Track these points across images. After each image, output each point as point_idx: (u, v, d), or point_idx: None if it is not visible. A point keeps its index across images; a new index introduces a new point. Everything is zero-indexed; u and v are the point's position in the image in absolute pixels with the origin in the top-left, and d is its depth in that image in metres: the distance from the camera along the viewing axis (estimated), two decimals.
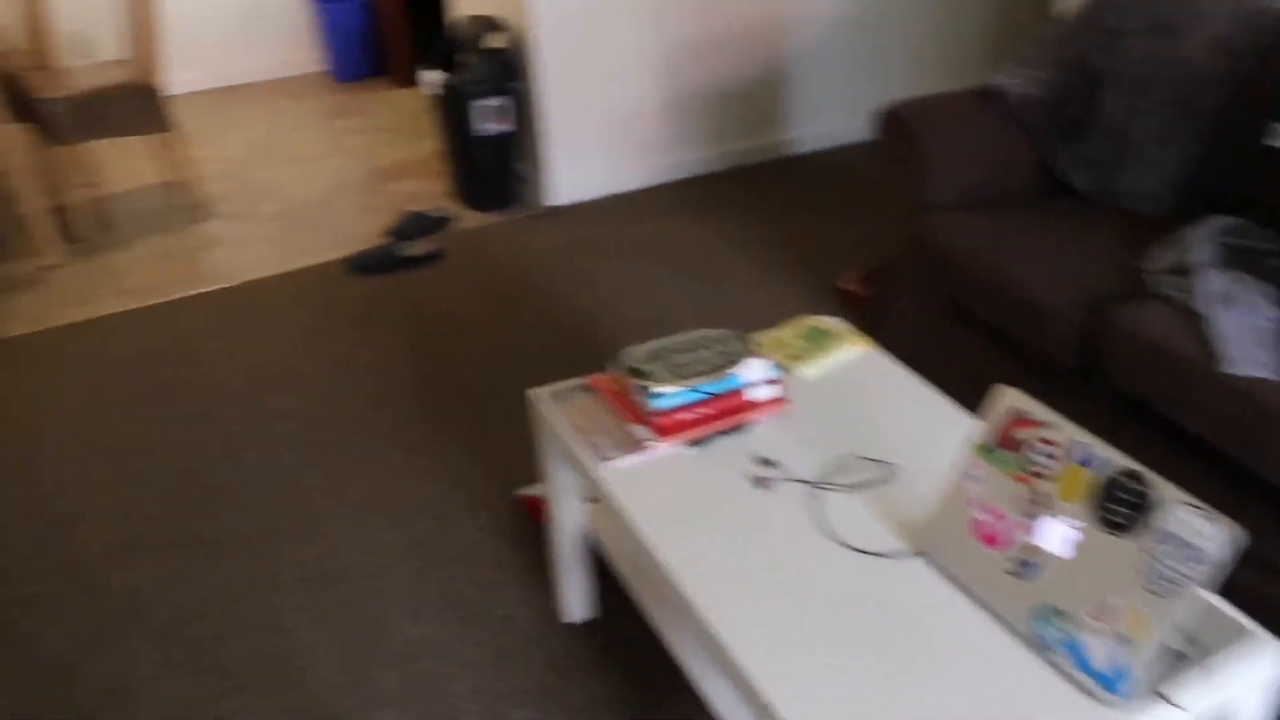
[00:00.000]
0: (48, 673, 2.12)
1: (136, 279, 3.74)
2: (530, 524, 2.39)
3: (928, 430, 1.72)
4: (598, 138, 3.98)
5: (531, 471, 2.55)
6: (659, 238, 3.69)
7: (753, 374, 1.75)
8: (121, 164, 4.85)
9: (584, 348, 3.07)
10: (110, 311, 3.51)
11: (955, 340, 2.56)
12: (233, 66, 5.92)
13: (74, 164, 4.62)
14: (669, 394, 1.70)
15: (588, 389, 1.88)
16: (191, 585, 2.31)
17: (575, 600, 2.10)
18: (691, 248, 3.60)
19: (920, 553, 1.46)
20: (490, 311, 3.30)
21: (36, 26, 4.35)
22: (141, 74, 4.02)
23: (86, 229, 4.17)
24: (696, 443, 1.72)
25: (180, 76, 5.83)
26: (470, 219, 3.97)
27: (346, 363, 3.10)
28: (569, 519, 2.01)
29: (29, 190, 3.88)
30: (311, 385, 3.00)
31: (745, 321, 3.13)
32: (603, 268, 3.51)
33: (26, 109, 3.96)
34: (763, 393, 1.76)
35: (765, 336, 2.00)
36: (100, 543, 2.46)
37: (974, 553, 1.38)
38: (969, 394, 2.03)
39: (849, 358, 1.94)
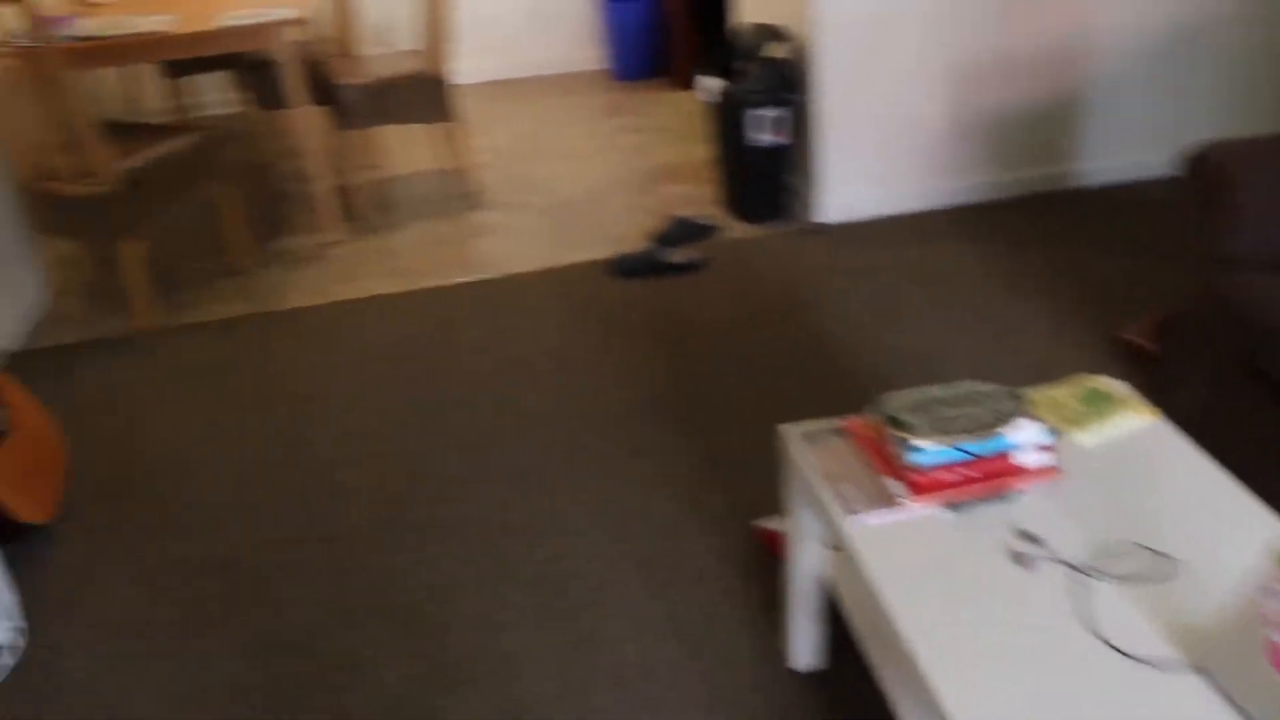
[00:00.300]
0: (291, 639, 2.21)
1: (407, 261, 3.88)
2: (767, 557, 2.31)
3: (1219, 523, 1.54)
4: (873, 156, 3.85)
5: (773, 500, 2.48)
6: (929, 265, 3.53)
7: (1024, 437, 1.62)
8: (404, 148, 5.07)
9: (840, 374, 2.96)
10: (380, 292, 3.66)
11: (1256, 415, 2.31)
12: (517, 60, 6.10)
13: (361, 146, 4.87)
14: (929, 450, 1.59)
15: (842, 433, 1.79)
16: (430, 572, 2.36)
17: (804, 647, 2.01)
18: (963, 279, 3.42)
19: (1199, 668, 1.30)
20: (747, 327, 3.24)
21: (344, 16, 4.58)
22: (432, 65, 4.17)
23: (366, 209, 4.37)
24: (954, 506, 1.60)
25: (466, 66, 6.04)
26: (736, 229, 3.92)
27: (598, 365, 3.11)
28: (808, 563, 1.92)
29: (320, 170, 4.10)
30: (561, 384, 3.03)
31: (1014, 365, 2.95)
32: (868, 292, 3.39)
33: (325, 93, 4.18)
34: (1033, 459, 1.62)
35: (1039, 395, 1.85)
36: (355, 519, 2.55)
37: (1267, 680, 1.22)
38: (1269, 482, 1.82)
39: (1132, 427, 1.77)
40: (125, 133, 3.72)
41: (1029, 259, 3.52)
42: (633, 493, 2.56)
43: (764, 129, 3.78)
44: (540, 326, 3.35)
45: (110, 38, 3.57)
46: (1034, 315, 3.19)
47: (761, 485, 2.54)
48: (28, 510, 2.53)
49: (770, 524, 2.33)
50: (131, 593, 2.39)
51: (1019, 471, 1.61)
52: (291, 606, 2.30)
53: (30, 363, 3.42)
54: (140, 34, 3.59)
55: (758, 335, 3.19)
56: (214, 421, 3.01)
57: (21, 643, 2.29)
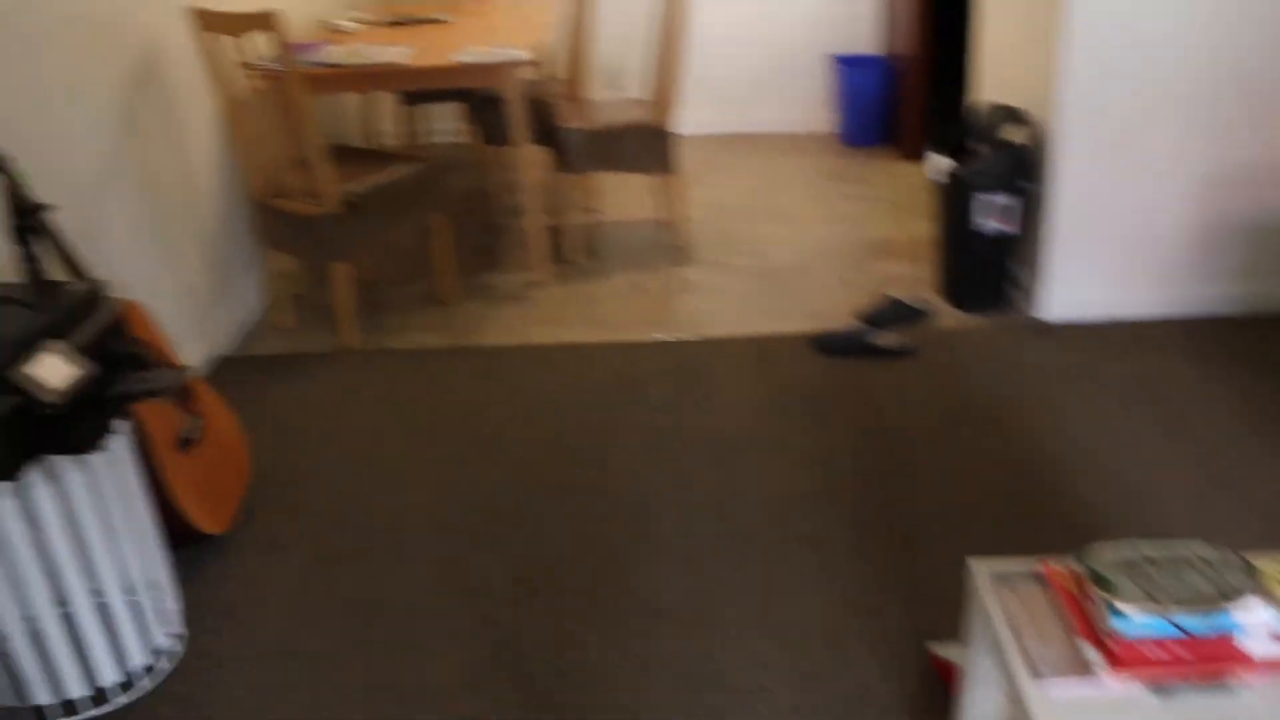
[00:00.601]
0: (418, 694, 2.15)
1: (607, 311, 3.84)
2: (939, 686, 2.12)
3: None
4: (1107, 254, 3.59)
5: (955, 624, 2.28)
6: (1158, 381, 3.25)
7: (1253, 619, 1.40)
8: (620, 194, 5.06)
9: (1044, 494, 2.73)
10: (575, 340, 3.62)
11: None
12: (743, 115, 6.04)
13: (578, 188, 4.88)
14: (1136, 618, 1.40)
15: (1038, 578, 1.60)
16: (571, 645, 2.26)
17: None
18: (1195, 402, 3.13)
19: None
20: (950, 427, 3.04)
21: (576, 60, 4.62)
22: (657, 116, 4.14)
23: (575, 253, 4.36)
24: (1159, 688, 1.40)
25: (692, 117, 6.02)
26: (949, 317, 3.72)
27: (784, 446, 2.97)
28: (981, 708, 1.74)
29: (534, 209, 4.11)
30: (744, 461, 2.90)
31: (1242, 516, 2.65)
32: (1084, 402, 3.14)
33: (549, 134, 4.20)
34: (1261, 647, 1.40)
35: (1275, 568, 1.62)
36: (504, 576, 2.49)
37: None
38: None
39: None
40: (353, 157, 3.82)
41: (1276, 388, 3.20)
42: (801, 592, 2.41)
43: (991, 215, 3.58)
44: (731, 397, 3.24)
45: (350, 66, 3.68)
46: (1274, 456, 2.87)
47: (943, 605, 2.35)
48: (206, 520, 2.58)
49: (947, 652, 2.15)
50: (286, 615, 2.40)
51: (1242, 660, 1.40)
52: (424, 656, 2.25)
53: (235, 369, 3.53)
54: (378, 64, 3.68)
55: (960, 437, 2.99)
56: (391, 450, 3.02)
57: (180, 650, 2.32)
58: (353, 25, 4.44)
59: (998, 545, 2.53)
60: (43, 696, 2.12)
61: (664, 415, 3.15)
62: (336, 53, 3.81)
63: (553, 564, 2.53)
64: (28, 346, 1.94)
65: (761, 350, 3.51)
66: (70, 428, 1.95)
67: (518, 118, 3.85)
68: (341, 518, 2.74)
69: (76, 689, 2.14)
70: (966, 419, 3.07)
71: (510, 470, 2.91)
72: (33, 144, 2.66)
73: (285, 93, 3.34)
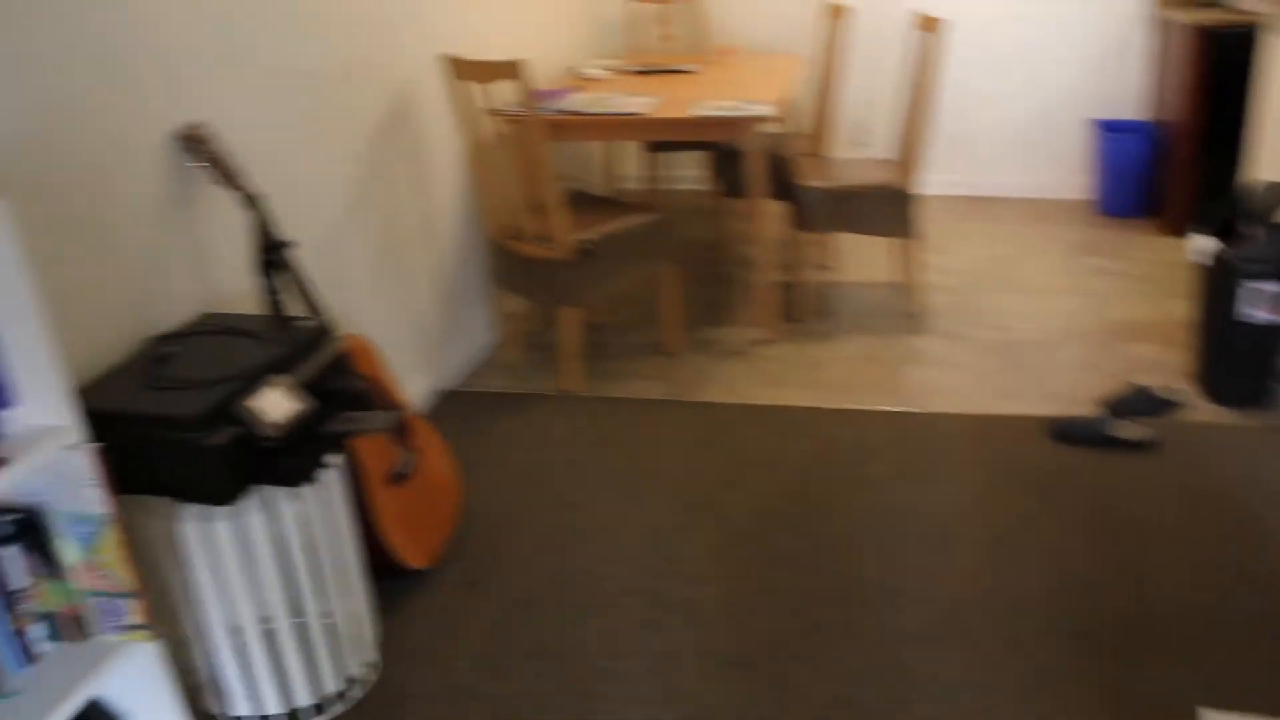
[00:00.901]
0: None
1: (832, 375, 3.73)
2: None
3: None
4: None
5: None
6: None
7: None
8: (856, 253, 4.94)
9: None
10: (795, 403, 3.53)
11: None
12: (993, 177, 5.80)
13: (814, 246, 4.79)
14: None
15: None
16: None
17: None
18: None
19: None
20: (1189, 533, 2.78)
21: (821, 115, 4.55)
22: (900, 179, 4.02)
23: (805, 312, 4.27)
24: None
25: (938, 177, 5.83)
26: (1202, 410, 3.42)
27: (1006, 537, 2.79)
28: None
29: (767, 265, 4.06)
30: (960, 550, 2.74)
31: None
32: None
33: (788, 190, 4.14)
34: None
35: None
36: (693, 643, 2.43)
37: None
38: None
39: None
40: (589, 204, 3.87)
41: None
42: (1005, 700, 2.23)
43: (1259, 304, 3.28)
44: (954, 478, 3.07)
45: (590, 114, 3.73)
46: None
47: None
48: (410, 555, 2.63)
49: None
50: (476, 657, 2.41)
51: None
52: (607, 718, 2.22)
53: (457, 403, 3.62)
54: (617, 115, 3.72)
55: (1202, 546, 2.73)
56: (599, 499, 3.01)
57: (373, 679, 2.37)
58: (601, 73, 4.51)
59: (1233, 679, 2.28)
60: (243, 709, 2.20)
61: (881, 491, 3.01)
62: (580, 100, 3.88)
63: (746, 637, 2.45)
64: (254, 379, 2.02)
65: (992, 431, 3.33)
66: (285, 461, 2.02)
67: (755, 172, 3.81)
68: (543, 564, 2.74)
69: (273, 705, 2.21)
70: (1211, 526, 2.81)
71: (714, 533, 2.85)
72: (287, 181, 2.80)
73: (526, 138, 3.41)
